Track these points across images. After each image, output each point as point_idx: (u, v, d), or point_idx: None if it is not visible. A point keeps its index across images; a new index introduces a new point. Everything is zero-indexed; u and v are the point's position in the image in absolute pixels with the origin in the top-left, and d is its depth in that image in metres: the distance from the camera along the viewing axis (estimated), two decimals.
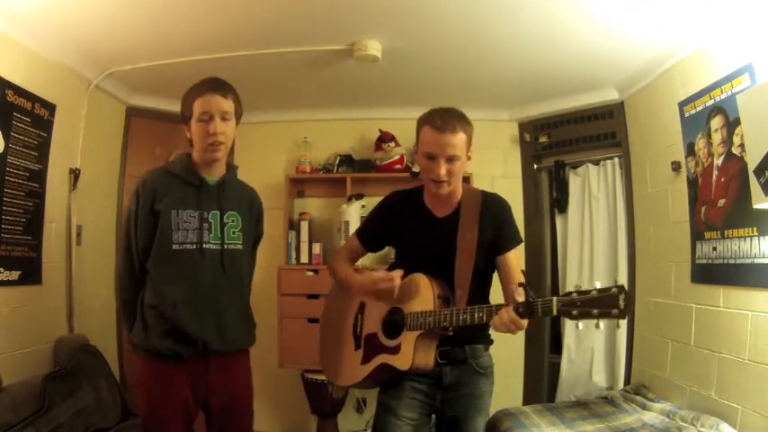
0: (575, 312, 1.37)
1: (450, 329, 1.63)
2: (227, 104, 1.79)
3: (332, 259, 2.01)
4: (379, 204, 1.91)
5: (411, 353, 1.64)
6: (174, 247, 1.76)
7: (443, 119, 1.66)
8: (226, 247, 1.83)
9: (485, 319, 1.54)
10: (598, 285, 1.38)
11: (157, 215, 1.77)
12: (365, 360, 1.79)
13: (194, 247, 1.78)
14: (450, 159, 1.66)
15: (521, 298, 1.49)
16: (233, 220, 1.87)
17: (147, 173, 1.86)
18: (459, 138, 1.66)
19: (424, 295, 1.66)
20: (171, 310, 1.73)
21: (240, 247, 1.87)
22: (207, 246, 1.79)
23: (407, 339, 1.67)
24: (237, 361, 1.89)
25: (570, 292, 1.40)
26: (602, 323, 1.38)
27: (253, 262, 2.05)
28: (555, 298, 1.41)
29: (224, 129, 1.79)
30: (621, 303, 1.31)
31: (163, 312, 1.74)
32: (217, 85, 1.80)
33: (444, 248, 1.71)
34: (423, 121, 1.71)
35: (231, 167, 1.94)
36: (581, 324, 1.39)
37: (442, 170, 1.65)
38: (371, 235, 1.91)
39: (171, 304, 1.74)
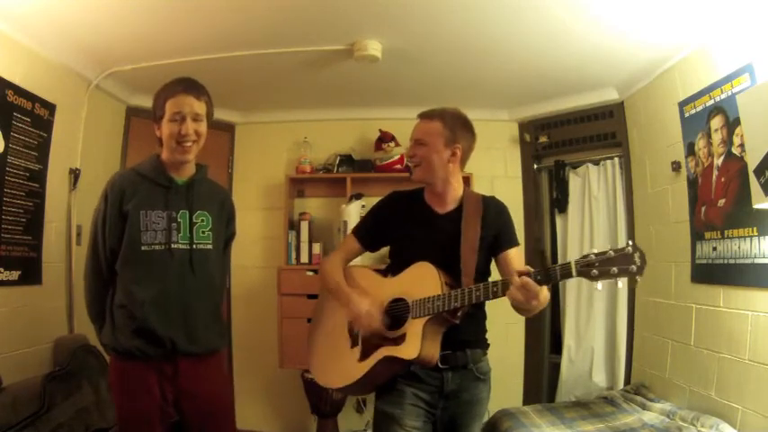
0: (594, 272, 1.38)
1: (457, 316, 1.60)
2: (200, 106, 1.77)
3: (324, 262, 1.93)
4: (379, 203, 1.89)
5: (419, 340, 1.58)
6: (143, 248, 1.73)
7: (428, 110, 1.79)
8: (195, 246, 1.80)
9: (500, 292, 1.52)
10: (609, 247, 1.40)
11: (126, 216, 1.75)
12: (364, 356, 1.72)
13: (163, 247, 1.75)
14: (417, 143, 1.76)
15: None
16: (202, 220, 1.84)
17: (115, 174, 1.85)
18: (431, 125, 1.75)
19: (432, 282, 1.63)
20: (139, 310, 1.71)
21: (210, 246, 1.84)
22: (175, 246, 1.77)
23: (413, 327, 1.62)
24: (209, 363, 1.84)
25: (587, 255, 1.41)
26: (620, 282, 1.39)
27: (226, 263, 2.02)
28: (572, 260, 1.42)
29: (196, 129, 1.77)
30: (638, 260, 1.34)
31: (131, 312, 1.72)
32: (190, 86, 1.78)
33: (448, 242, 1.70)
34: None
35: (201, 167, 1.91)
36: (599, 284, 1.40)
37: (410, 151, 1.78)
38: (371, 233, 1.88)
39: (139, 304, 1.71)
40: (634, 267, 1.34)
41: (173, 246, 1.76)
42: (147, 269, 1.74)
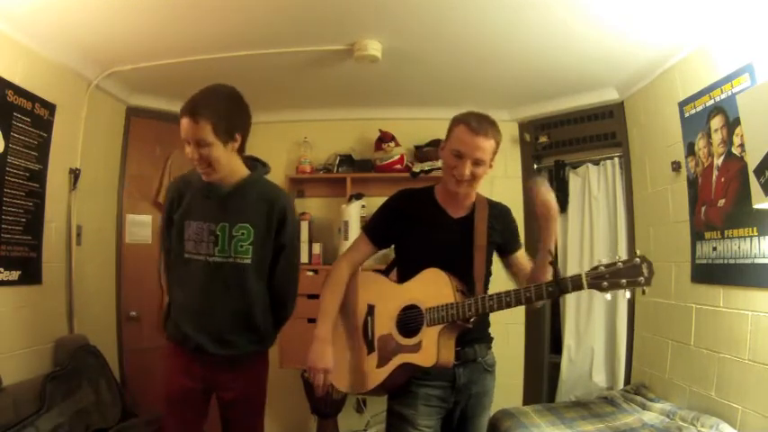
0: (605, 284, 1.44)
1: (471, 321, 1.63)
2: (198, 130, 1.67)
3: (333, 269, 1.87)
4: (390, 201, 1.88)
5: (435, 349, 1.60)
6: (186, 255, 1.84)
7: (479, 122, 1.69)
8: (232, 260, 1.82)
9: (513, 303, 1.56)
10: (618, 257, 1.45)
11: (174, 223, 1.87)
12: (381, 363, 1.73)
13: (201, 258, 1.82)
14: (477, 162, 1.68)
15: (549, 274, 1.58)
16: (243, 233, 1.82)
17: (176, 177, 2.00)
18: (489, 143, 1.69)
19: (444, 289, 1.64)
20: (176, 310, 1.88)
21: (248, 261, 1.83)
22: (212, 259, 1.81)
23: (428, 335, 1.63)
24: (246, 360, 1.90)
25: (596, 266, 1.46)
26: (628, 293, 1.45)
27: (290, 272, 1.97)
28: (583, 273, 1.47)
29: (203, 154, 1.70)
30: (645, 271, 1.40)
31: (172, 309, 1.91)
32: (188, 108, 1.68)
33: (463, 247, 1.74)
34: (458, 120, 1.73)
35: (255, 168, 1.90)
36: (608, 295, 1.46)
37: (467, 170, 1.68)
38: (383, 230, 1.85)
39: (177, 304, 1.89)
40: (642, 279, 1.40)
41: (209, 258, 1.81)
42: (185, 276, 1.85)
